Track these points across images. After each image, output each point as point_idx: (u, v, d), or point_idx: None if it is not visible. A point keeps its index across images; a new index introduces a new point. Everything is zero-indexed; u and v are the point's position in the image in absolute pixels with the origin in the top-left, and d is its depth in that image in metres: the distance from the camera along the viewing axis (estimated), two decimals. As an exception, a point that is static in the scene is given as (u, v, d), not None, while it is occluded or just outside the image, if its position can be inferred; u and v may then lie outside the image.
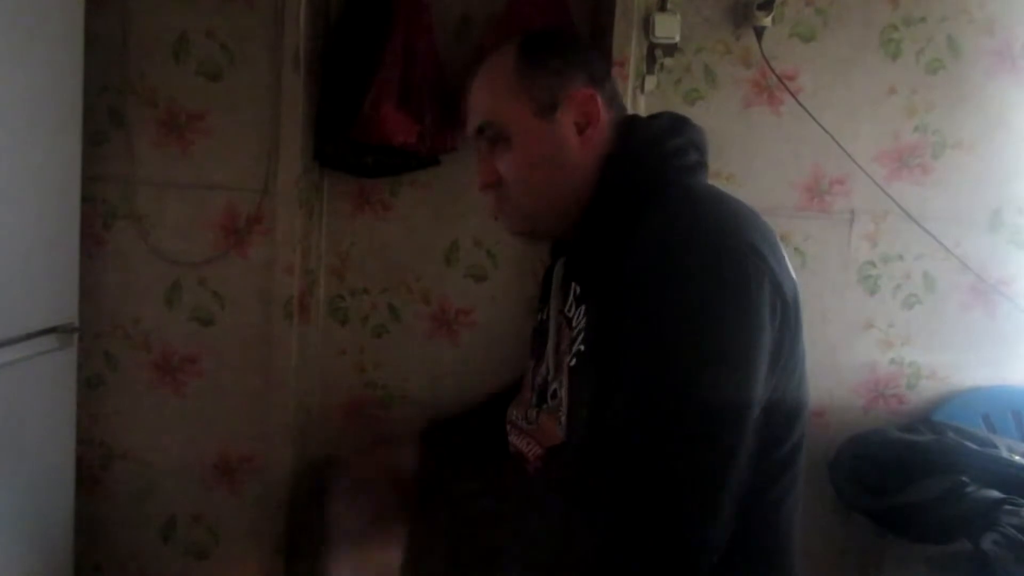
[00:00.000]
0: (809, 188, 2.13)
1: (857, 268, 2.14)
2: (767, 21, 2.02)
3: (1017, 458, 1.80)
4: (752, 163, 2.10)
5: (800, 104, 2.08)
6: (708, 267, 0.79)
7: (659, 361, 0.78)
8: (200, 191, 2.11)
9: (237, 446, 2.17)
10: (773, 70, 2.08)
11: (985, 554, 1.56)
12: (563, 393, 0.93)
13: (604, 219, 0.92)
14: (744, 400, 0.78)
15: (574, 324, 0.92)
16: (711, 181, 1.00)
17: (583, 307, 0.91)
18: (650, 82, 2.04)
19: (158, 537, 2.21)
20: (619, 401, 0.79)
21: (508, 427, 1.08)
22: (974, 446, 1.84)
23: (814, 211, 2.13)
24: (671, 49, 2.01)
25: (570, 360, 0.91)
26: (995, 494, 1.68)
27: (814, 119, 2.08)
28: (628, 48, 1.87)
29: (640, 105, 1.99)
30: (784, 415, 0.89)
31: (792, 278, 0.88)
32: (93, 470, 2.18)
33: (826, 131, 2.08)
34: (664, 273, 0.80)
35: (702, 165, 0.98)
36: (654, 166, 0.93)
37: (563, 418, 0.93)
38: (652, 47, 1.98)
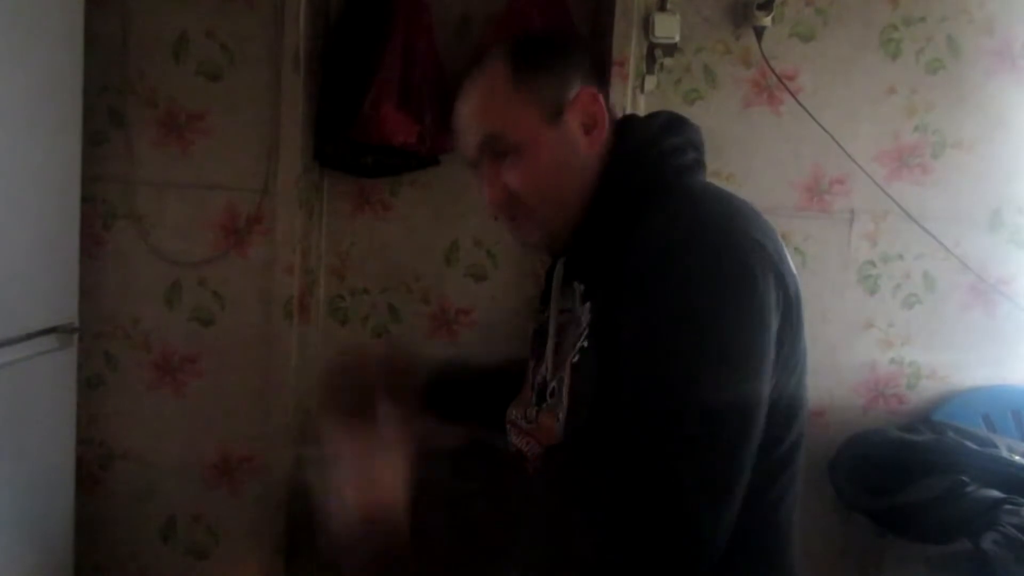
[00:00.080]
0: (809, 188, 2.13)
1: (857, 268, 2.14)
2: (767, 21, 2.02)
3: (1017, 458, 1.80)
4: (752, 163, 2.10)
5: (800, 104, 2.08)
6: (710, 264, 0.79)
7: (662, 359, 0.78)
8: (200, 191, 2.11)
9: (237, 446, 2.17)
10: (773, 70, 2.08)
11: (985, 553, 1.56)
12: (564, 391, 0.93)
13: (605, 218, 0.91)
14: (747, 398, 0.78)
15: (582, 322, 0.91)
16: (710, 180, 1.00)
17: (587, 304, 0.91)
18: (650, 82, 2.04)
19: (158, 537, 2.21)
20: (621, 399, 0.79)
21: (508, 427, 1.08)
22: (974, 446, 1.84)
23: (814, 211, 2.13)
24: (671, 49, 2.01)
25: (573, 357, 0.91)
26: (995, 494, 1.68)
27: (814, 119, 2.08)
28: (628, 48, 1.87)
29: (640, 105, 1.99)
30: (783, 414, 0.89)
31: (794, 276, 0.87)
32: (93, 470, 2.18)
33: (826, 131, 2.08)
34: (666, 271, 0.80)
35: (700, 164, 0.97)
36: (652, 165, 0.93)
37: (562, 416, 0.93)
38: (652, 47, 1.98)
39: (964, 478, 1.72)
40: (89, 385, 2.15)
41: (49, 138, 1.84)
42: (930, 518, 1.72)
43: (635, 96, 1.95)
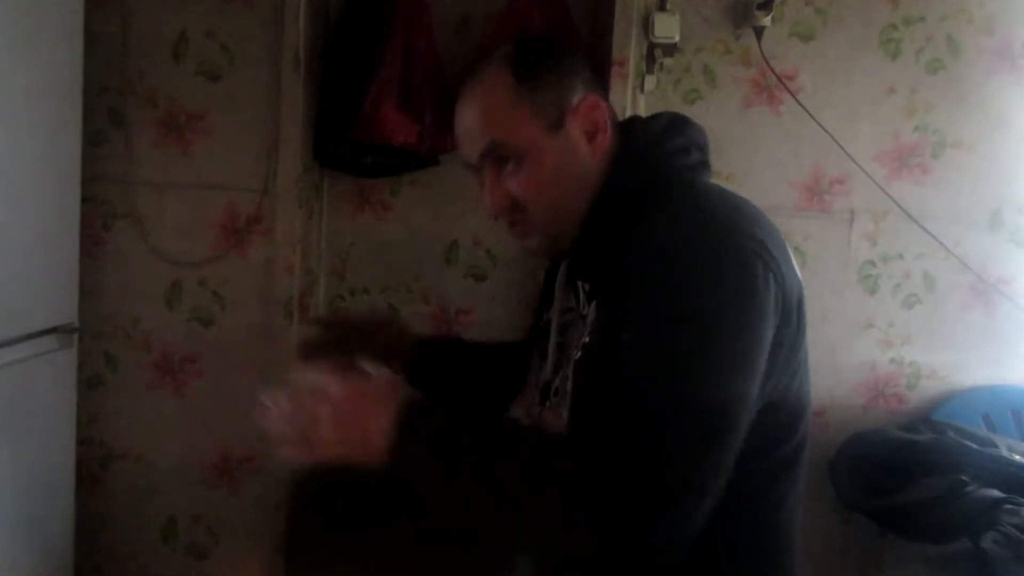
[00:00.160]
0: (809, 188, 2.13)
1: (857, 268, 2.15)
2: (767, 21, 2.02)
3: (1017, 457, 1.80)
4: (752, 163, 2.10)
5: (800, 104, 2.08)
6: (711, 264, 0.80)
7: (658, 356, 0.78)
8: (200, 191, 2.11)
9: (237, 446, 2.17)
10: (773, 70, 2.08)
11: (985, 553, 1.56)
12: (567, 388, 0.93)
13: (609, 219, 0.91)
14: (735, 400, 0.78)
15: (587, 322, 0.92)
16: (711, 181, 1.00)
17: (593, 304, 0.91)
18: (650, 82, 2.04)
19: (158, 537, 2.21)
20: (616, 392, 0.80)
21: None
22: (974, 445, 1.84)
23: (814, 211, 2.13)
24: (671, 49, 2.01)
25: (576, 354, 0.91)
26: (995, 493, 1.68)
27: (814, 119, 2.08)
28: (628, 48, 1.87)
29: (640, 105, 1.99)
30: (786, 415, 0.89)
31: (797, 277, 0.88)
32: (93, 470, 2.18)
33: (826, 131, 2.08)
34: (667, 270, 0.80)
35: (704, 164, 0.98)
36: (656, 166, 0.93)
37: (565, 414, 0.93)
38: (652, 47, 1.98)
39: (964, 478, 1.72)
40: (89, 385, 2.15)
41: (49, 138, 1.84)
42: (930, 518, 1.72)
43: (635, 96, 1.95)
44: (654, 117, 0.98)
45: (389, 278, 2.19)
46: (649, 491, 0.75)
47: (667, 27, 1.92)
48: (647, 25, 1.93)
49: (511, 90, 0.93)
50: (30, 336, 1.77)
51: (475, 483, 0.81)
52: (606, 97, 0.99)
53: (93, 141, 2.07)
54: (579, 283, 0.96)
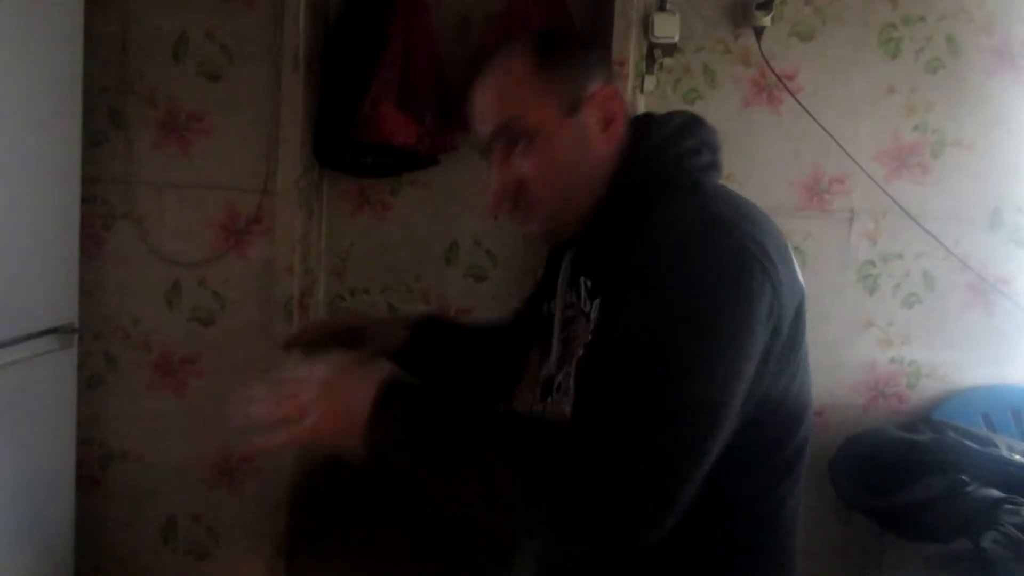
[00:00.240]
0: (809, 187, 2.13)
1: (857, 267, 2.15)
2: (766, 21, 2.02)
3: (1017, 457, 1.80)
4: (752, 162, 2.10)
5: (799, 103, 2.08)
6: (709, 265, 0.80)
7: (648, 350, 0.79)
8: (200, 191, 2.11)
9: (237, 446, 2.17)
10: (772, 69, 2.08)
11: (985, 553, 1.57)
12: (570, 384, 0.94)
13: (616, 216, 0.92)
14: (721, 397, 0.78)
15: (591, 318, 0.92)
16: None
17: (597, 301, 0.91)
18: (649, 82, 2.04)
19: (158, 537, 2.21)
20: (605, 381, 0.80)
21: None
22: (974, 445, 1.84)
23: (814, 210, 2.13)
24: (670, 49, 2.01)
25: (579, 351, 0.92)
26: (995, 493, 1.68)
27: (813, 118, 2.08)
28: (627, 48, 1.87)
29: (640, 105, 1.99)
30: (787, 416, 0.89)
31: (798, 282, 0.88)
32: (93, 470, 2.18)
33: (825, 130, 2.08)
34: (666, 268, 0.81)
35: (715, 165, 0.98)
36: (668, 165, 0.93)
37: (568, 409, 0.93)
38: (651, 47, 1.98)
39: (964, 477, 1.72)
40: (89, 385, 2.15)
41: (49, 138, 1.84)
42: (930, 517, 1.72)
43: (635, 96, 1.95)
44: (669, 116, 0.98)
45: (389, 278, 2.19)
46: (627, 476, 0.75)
47: (667, 27, 1.93)
48: (647, 25, 1.93)
49: (531, 71, 0.93)
50: (30, 336, 1.78)
51: (451, 457, 0.82)
52: (624, 93, 0.99)
53: (93, 141, 2.07)
54: (582, 279, 0.97)
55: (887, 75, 2.09)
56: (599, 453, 0.76)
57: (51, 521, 1.95)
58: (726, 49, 2.10)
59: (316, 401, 0.85)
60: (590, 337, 0.90)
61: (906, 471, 1.82)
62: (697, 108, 2.09)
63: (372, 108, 1.91)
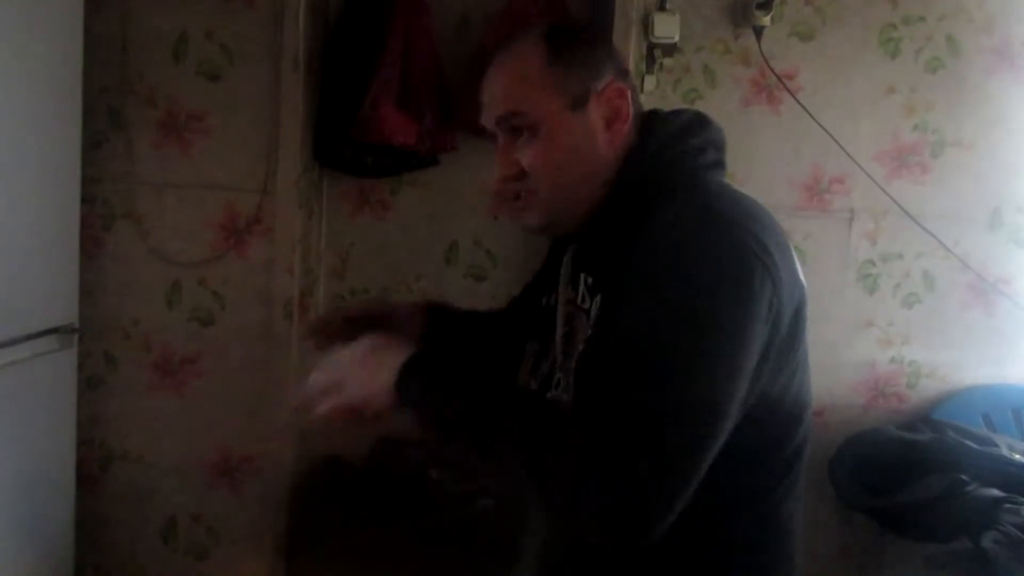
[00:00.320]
0: (809, 187, 2.13)
1: (857, 267, 2.15)
2: (766, 20, 2.02)
3: (1017, 456, 1.80)
4: (752, 162, 2.10)
5: (799, 103, 2.08)
6: (710, 264, 0.80)
7: (647, 348, 0.79)
8: (200, 191, 2.11)
9: (237, 446, 2.17)
10: (772, 69, 2.08)
11: (985, 552, 1.57)
12: (571, 380, 0.94)
13: (620, 212, 0.92)
14: (719, 397, 0.78)
15: (591, 315, 0.92)
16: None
17: (598, 297, 0.91)
18: (649, 82, 2.04)
19: (158, 537, 2.21)
20: (602, 377, 0.80)
21: None
22: (974, 445, 1.84)
23: (814, 210, 2.13)
24: (670, 49, 2.01)
25: (580, 347, 0.92)
26: (995, 492, 1.68)
27: (813, 118, 2.08)
28: (627, 48, 1.87)
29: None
30: (786, 415, 0.89)
31: (799, 282, 0.88)
32: (93, 470, 2.18)
33: (825, 130, 2.08)
34: (667, 266, 0.81)
35: (720, 164, 0.98)
36: (673, 162, 0.94)
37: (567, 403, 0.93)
38: (651, 47, 1.98)
39: (964, 477, 1.72)
40: (89, 386, 2.15)
41: (49, 138, 1.84)
42: (930, 517, 1.72)
43: (635, 96, 1.95)
44: (675, 113, 0.98)
45: (389, 278, 2.19)
46: (627, 473, 0.75)
47: (667, 27, 1.93)
48: (647, 25, 1.93)
49: (540, 62, 0.93)
50: (30, 336, 1.78)
51: (469, 423, 0.86)
52: (635, 90, 0.99)
53: (93, 141, 2.07)
54: (582, 275, 0.96)
55: (887, 75, 2.09)
56: (600, 450, 0.76)
57: (51, 521, 1.95)
58: (726, 49, 2.10)
59: (352, 370, 0.92)
60: (590, 332, 0.90)
61: (906, 471, 1.82)
62: (697, 108, 2.09)
63: (372, 108, 1.91)
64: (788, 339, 0.86)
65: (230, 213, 2.11)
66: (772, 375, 0.85)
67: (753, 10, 2.00)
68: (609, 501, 0.76)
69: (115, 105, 2.10)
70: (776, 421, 0.88)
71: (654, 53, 2.00)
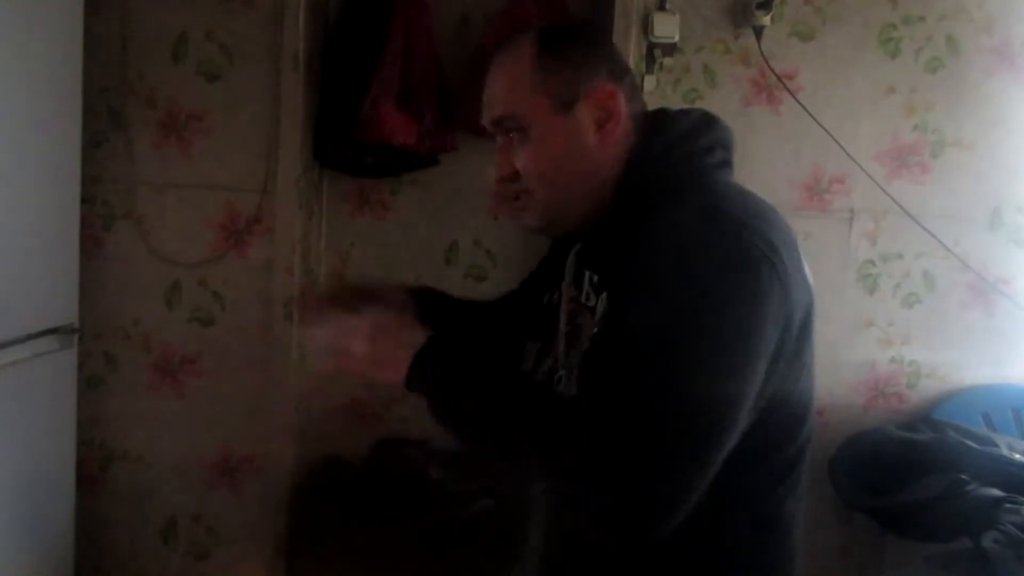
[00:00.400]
0: (809, 187, 2.13)
1: (857, 267, 2.15)
2: (766, 20, 2.02)
3: (1017, 456, 1.80)
4: (752, 163, 2.10)
5: (799, 103, 2.08)
6: (719, 262, 0.80)
7: (656, 348, 0.78)
8: (200, 191, 2.11)
9: (237, 446, 2.17)
10: (772, 69, 2.08)
11: (986, 552, 1.56)
12: (574, 378, 0.93)
13: (627, 211, 0.92)
14: (729, 398, 0.78)
15: (596, 312, 0.92)
16: None
17: (604, 295, 0.91)
18: (649, 82, 2.04)
19: (158, 537, 2.20)
20: (610, 380, 0.80)
21: None
22: (974, 444, 1.84)
23: (814, 210, 2.13)
24: (670, 49, 2.01)
25: (584, 346, 0.92)
26: (995, 492, 1.68)
27: (813, 118, 2.08)
28: (627, 48, 1.87)
29: (639, 105, 1.99)
30: (790, 416, 0.89)
31: (807, 283, 0.87)
32: (93, 471, 2.17)
33: (825, 130, 2.08)
34: (676, 264, 0.81)
35: (727, 164, 0.99)
36: (682, 162, 0.94)
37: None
38: (651, 47, 1.98)
39: (964, 477, 1.72)
40: (89, 386, 2.15)
41: (49, 139, 1.84)
42: (930, 517, 1.72)
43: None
44: (684, 113, 0.98)
45: (389, 278, 2.18)
46: (633, 480, 0.75)
47: (667, 27, 1.93)
48: (647, 25, 1.93)
49: (530, 65, 0.94)
50: (30, 336, 1.77)
51: (479, 415, 0.88)
52: (635, 90, 0.99)
53: (93, 142, 2.07)
54: (587, 273, 0.96)
55: (887, 75, 2.09)
56: (606, 450, 0.76)
57: (51, 521, 1.95)
58: (726, 49, 2.10)
59: (365, 343, 0.92)
60: (595, 330, 0.90)
61: (906, 471, 1.82)
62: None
63: (372, 108, 1.91)
64: (797, 340, 0.85)
65: (230, 213, 2.11)
66: (782, 376, 0.84)
67: (753, 10, 2.00)
68: (615, 501, 0.76)
69: (115, 105, 2.10)
70: (780, 421, 0.88)
71: (654, 53, 2.00)
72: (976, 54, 2.08)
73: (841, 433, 2.04)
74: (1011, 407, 2.10)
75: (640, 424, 0.76)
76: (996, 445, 1.85)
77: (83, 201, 1.99)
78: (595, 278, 0.95)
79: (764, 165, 2.11)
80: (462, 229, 2.17)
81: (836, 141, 2.08)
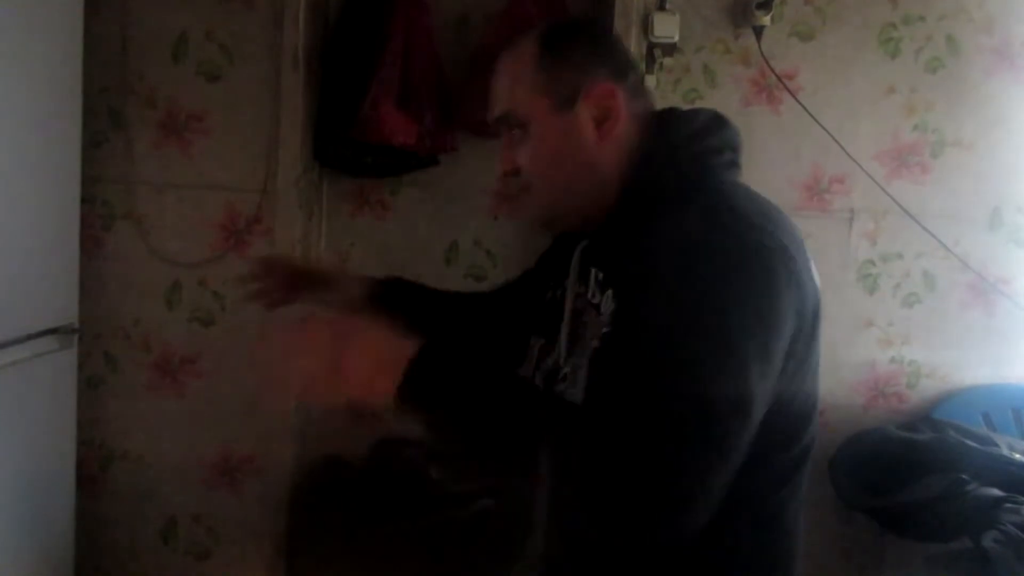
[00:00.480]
0: (809, 187, 2.13)
1: (857, 267, 2.15)
2: (766, 20, 2.02)
3: (1017, 456, 1.80)
4: (752, 163, 2.07)
5: (799, 103, 2.08)
6: (735, 262, 0.80)
7: (672, 349, 0.78)
8: (200, 191, 2.11)
9: (237, 446, 2.17)
10: (772, 69, 2.08)
11: (986, 552, 1.56)
12: (579, 376, 0.93)
13: (635, 209, 0.92)
14: (746, 399, 0.78)
15: (602, 310, 0.92)
16: None
17: (610, 292, 0.91)
18: (649, 82, 2.04)
19: (158, 537, 2.21)
20: (625, 380, 0.79)
21: None
22: (974, 444, 1.84)
23: (814, 210, 2.13)
24: (670, 49, 2.01)
25: (594, 343, 0.91)
26: (995, 492, 1.68)
27: (813, 118, 2.08)
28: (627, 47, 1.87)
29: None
30: (794, 418, 0.89)
31: (815, 283, 0.88)
32: (93, 471, 2.18)
33: (825, 130, 2.08)
34: (692, 265, 0.80)
35: (736, 165, 0.99)
36: (690, 162, 0.94)
37: (577, 400, 0.93)
38: (651, 47, 1.98)
39: (964, 476, 1.72)
40: (89, 386, 2.15)
41: (49, 139, 1.84)
42: (930, 517, 1.72)
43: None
44: (693, 112, 0.99)
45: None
46: (653, 487, 0.75)
47: (667, 27, 1.92)
48: (647, 25, 1.93)
49: (531, 64, 0.95)
50: (30, 337, 1.78)
51: (482, 423, 0.84)
52: (639, 88, 0.99)
53: (93, 142, 2.07)
54: (593, 270, 0.96)
55: (887, 75, 2.09)
56: (628, 456, 0.75)
57: (51, 521, 1.95)
58: (726, 49, 2.10)
59: (349, 360, 0.84)
60: (606, 329, 0.90)
61: (907, 471, 1.82)
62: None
63: (372, 108, 1.91)
64: (807, 340, 0.86)
65: (230, 213, 2.11)
66: (790, 376, 0.84)
67: (753, 10, 2.00)
68: (637, 505, 0.75)
69: (115, 105, 2.10)
70: (785, 422, 0.87)
71: (654, 53, 2.00)
72: (976, 54, 2.08)
73: (841, 433, 2.04)
74: (1011, 407, 2.10)
75: (660, 425, 0.75)
76: (996, 445, 1.85)
77: (83, 201, 1.99)
78: (601, 276, 0.94)
79: (764, 165, 2.11)
80: (462, 229, 2.17)
81: (836, 141, 2.08)
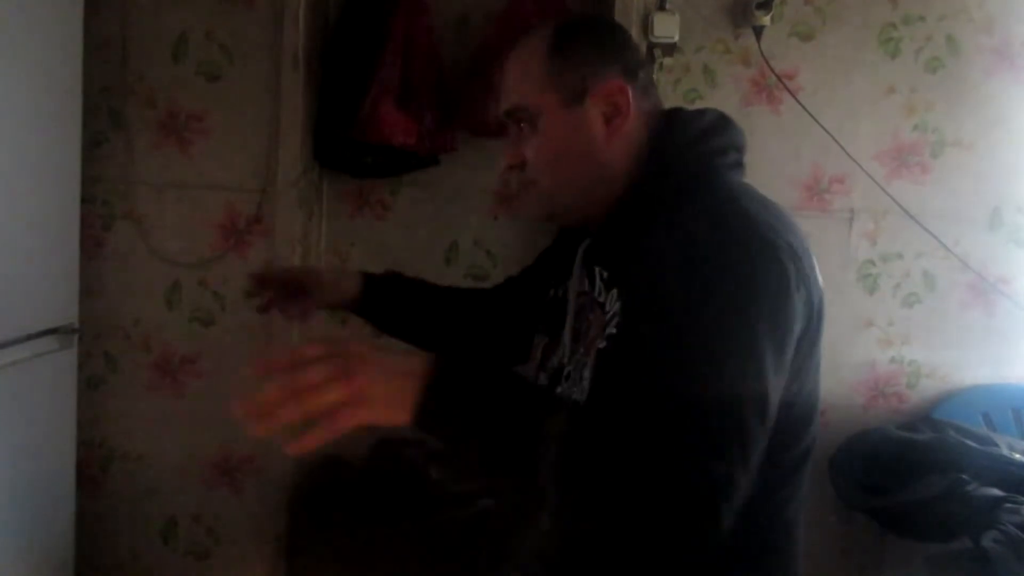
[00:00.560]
0: (809, 187, 2.13)
1: (857, 267, 2.14)
2: (766, 20, 2.02)
3: (1017, 456, 1.80)
4: (752, 162, 2.09)
5: (799, 103, 2.08)
6: (745, 261, 0.80)
7: (686, 350, 0.77)
8: (200, 191, 2.11)
9: (237, 446, 2.17)
10: (772, 69, 2.08)
11: (986, 552, 1.56)
12: (584, 375, 0.93)
13: (640, 208, 0.92)
14: (762, 398, 0.77)
15: (607, 309, 0.91)
16: None
17: (614, 291, 0.91)
18: (649, 81, 2.04)
19: (158, 537, 2.21)
20: (639, 382, 0.79)
21: None
22: (974, 444, 1.84)
23: (814, 210, 2.13)
24: (670, 48, 2.01)
25: (600, 343, 0.91)
26: (995, 492, 1.68)
27: (813, 118, 2.08)
28: (627, 47, 1.87)
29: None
30: (797, 417, 0.89)
31: (819, 284, 0.88)
32: (93, 471, 2.18)
33: (825, 130, 2.08)
34: (701, 263, 0.80)
35: (740, 166, 0.99)
36: (695, 162, 0.94)
37: (580, 400, 0.92)
38: (651, 46, 1.98)
39: (964, 476, 1.72)
40: (89, 386, 2.15)
41: (49, 139, 1.84)
42: (930, 517, 1.72)
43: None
44: (699, 113, 0.99)
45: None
46: (679, 493, 0.74)
47: (666, 27, 1.93)
48: (647, 25, 1.93)
49: (541, 58, 0.96)
50: (30, 337, 1.78)
51: (504, 445, 0.78)
52: (649, 87, 0.99)
53: (93, 142, 2.07)
54: (597, 269, 0.96)
55: (887, 75, 2.09)
56: (652, 463, 0.74)
57: (51, 521, 1.95)
58: (726, 49, 2.10)
59: (365, 385, 0.75)
60: (612, 331, 0.89)
61: (907, 470, 1.82)
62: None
63: (372, 108, 1.91)
64: (811, 339, 0.86)
65: (230, 213, 2.11)
66: (794, 375, 0.85)
67: (753, 10, 2.00)
68: (673, 508, 0.73)
69: (115, 105, 2.10)
70: (788, 421, 0.87)
71: (654, 53, 2.00)
72: (976, 54, 2.08)
73: (841, 433, 2.04)
74: (1011, 407, 2.10)
75: (686, 427, 0.74)
76: (996, 445, 1.85)
77: (83, 201, 1.99)
78: (605, 274, 0.94)
79: (764, 165, 2.11)
80: (462, 229, 2.17)
81: (836, 141, 2.08)
